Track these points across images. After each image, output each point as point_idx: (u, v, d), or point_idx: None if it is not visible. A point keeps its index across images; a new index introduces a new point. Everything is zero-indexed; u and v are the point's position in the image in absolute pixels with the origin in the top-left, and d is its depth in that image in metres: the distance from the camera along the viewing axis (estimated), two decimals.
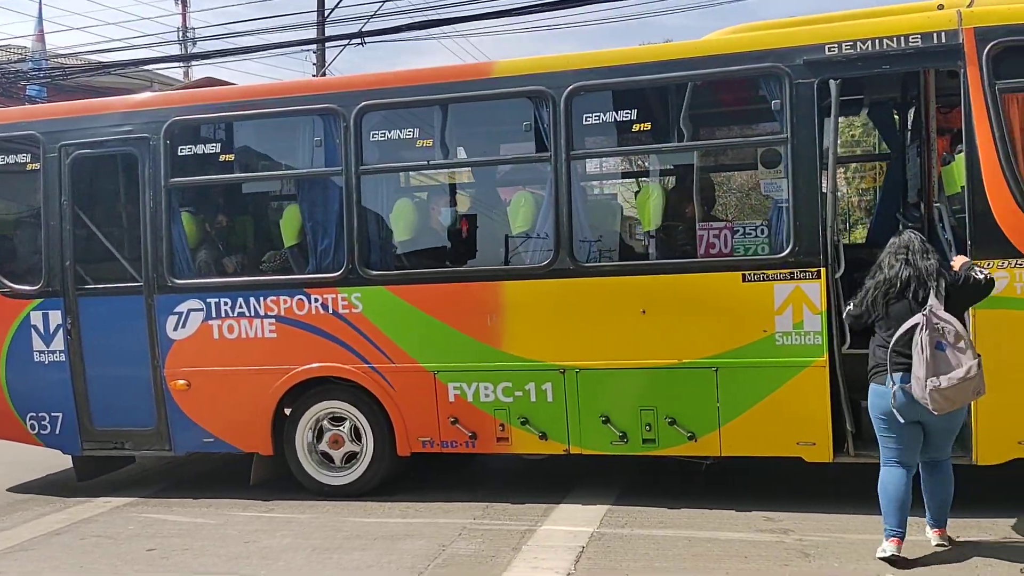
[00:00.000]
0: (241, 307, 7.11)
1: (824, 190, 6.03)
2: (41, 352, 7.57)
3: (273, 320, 7.06)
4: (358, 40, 21.13)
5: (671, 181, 6.78)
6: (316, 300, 6.96)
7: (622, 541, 5.86)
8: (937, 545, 5.37)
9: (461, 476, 7.69)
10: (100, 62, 18.44)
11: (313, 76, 25.91)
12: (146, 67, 20.16)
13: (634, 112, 6.42)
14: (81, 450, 7.64)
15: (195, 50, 28.08)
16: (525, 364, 6.60)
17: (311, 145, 7.04)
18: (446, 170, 7.78)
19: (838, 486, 6.67)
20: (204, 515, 7.05)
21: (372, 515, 6.73)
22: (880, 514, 5.29)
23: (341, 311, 6.91)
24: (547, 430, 6.62)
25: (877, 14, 6.34)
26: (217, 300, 7.16)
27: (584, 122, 6.50)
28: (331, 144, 6.94)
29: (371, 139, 6.91)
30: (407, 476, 7.39)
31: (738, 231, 6.31)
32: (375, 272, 6.88)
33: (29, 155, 7.64)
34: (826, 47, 6.03)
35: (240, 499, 7.34)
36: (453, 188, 8.05)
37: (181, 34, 29.15)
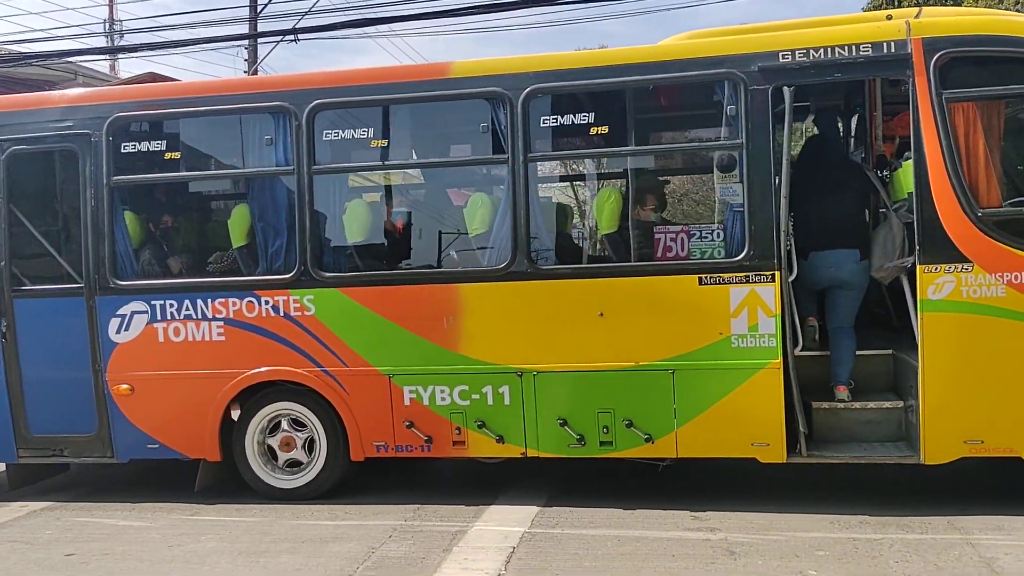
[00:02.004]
0: (188, 309, 6.92)
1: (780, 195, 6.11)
2: None
3: (221, 323, 6.89)
4: (291, 37, 20.85)
5: (628, 184, 6.81)
6: (267, 302, 6.81)
7: (552, 541, 5.90)
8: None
9: (394, 479, 7.61)
10: (21, 53, 17.73)
11: (245, 73, 25.49)
12: (70, 59, 19.51)
13: (592, 115, 6.43)
14: (16, 457, 7.35)
15: (122, 43, 27.37)
16: (482, 367, 6.57)
17: (261, 144, 6.87)
18: (401, 171, 7.70)
19: (765, 485, 6.83)
20: (127, 518, 6.89)
21: (301, 518, 6.66)
22: (806, 512, 5.88)
23: (293, 313, 6.78)
24: (504, 433, 6.60)
25: (830, 23, 6.48)
26: (162, 302, 6.95)
27: (541, 124, 6.49)
28: (282, 143, 6.79)
29: (324, 138, 6.79)
30: (344, 480, 7.26)
31: (695, 234, 6.37)
32: (328, 274, 6.77)
33: None
34: (780, 54, 6.13)
35: (165, 502, 7.19)
36: (408, 189, 7.97)
37: (108, 26, 28.37)
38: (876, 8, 40.84)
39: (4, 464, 7.59)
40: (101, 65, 25.83)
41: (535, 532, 6.09)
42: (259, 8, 23.51)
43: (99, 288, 7.04)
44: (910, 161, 6.14)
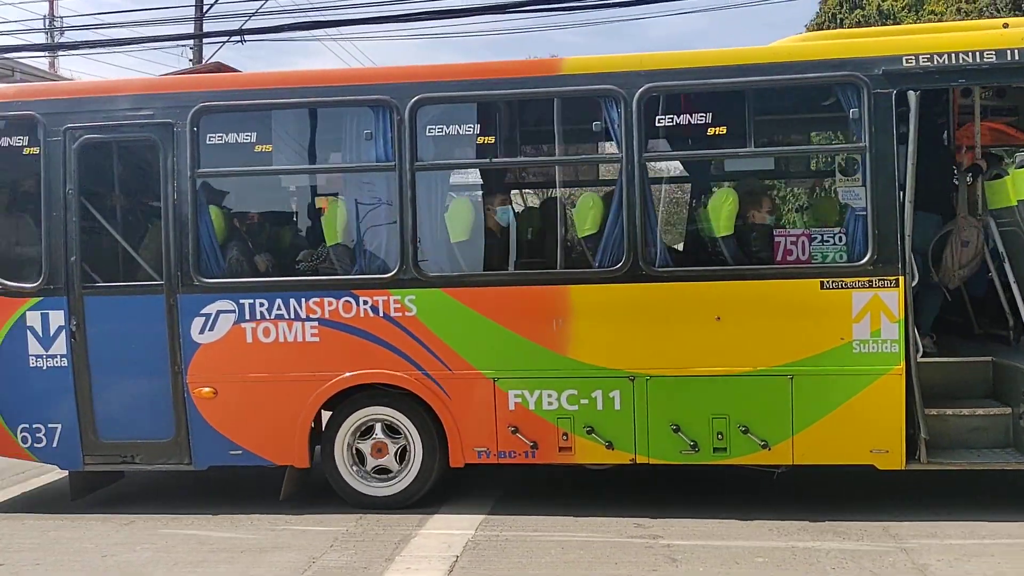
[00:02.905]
0: (280, 309, 6.61)
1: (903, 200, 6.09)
2: (38, 356, 6.82)
3: (316, 323, 6.59)
4: (238, 38, 20.47)
5: (745, 185, 6.73)
6: (365, 302, 6.54)
7: (496, 549, 5.87)
8: None
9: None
10: None
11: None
12: (7, 55, 18.89)
13: (708, 115, 6.33)
14: (82, 465, 6.92)
15: (62, 40, 26.54)
16: (593, 371, 6.40)
17: (360, 138, 6.60)
18: (508, 169, 7.48)
19: (707, 493, 6.94)
20: (60, 527, 6.65)
21: (240, 528, 6.51)
22: (747, 519, 6.16)
23: (393, 314, 6.53)
24: (614, 439, 6.43)
25: (941, 29, 6.49)
26: (252, 301, 6.63)
27: (656, 124, 6.37)
28: (383, 138, 6.54)
29: (427, 134, 6.55)
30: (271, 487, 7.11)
31: (816, 238, 6.30)
32: (432, 274, 6.53)
33: (26, 137, 6.88)
34: (904, 58, 6.10)
35: (99, 511, 6.96)
36: (515, 187, 7.74)
37: (47, 22, 27.49)
38: (819, 26, 41.84)
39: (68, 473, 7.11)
40: (40, 62, 25.08)
41: (479, 540, 6.05)
42: (205, 8, 23.08)
43: (181, 286, 6.68)
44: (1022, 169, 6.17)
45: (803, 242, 6.31)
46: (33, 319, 6.80)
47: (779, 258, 6.35)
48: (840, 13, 40.77)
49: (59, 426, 6.85)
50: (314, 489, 7.06)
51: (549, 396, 6.46)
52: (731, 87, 6.33)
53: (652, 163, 6.46)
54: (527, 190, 7.89)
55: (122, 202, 7.04)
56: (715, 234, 6.45)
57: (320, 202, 7.22)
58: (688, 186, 7.71)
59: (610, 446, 6.45)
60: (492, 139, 6.56)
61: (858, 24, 36.69)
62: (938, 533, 5.90)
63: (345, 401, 6.71)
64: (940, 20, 31.91)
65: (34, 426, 6.88)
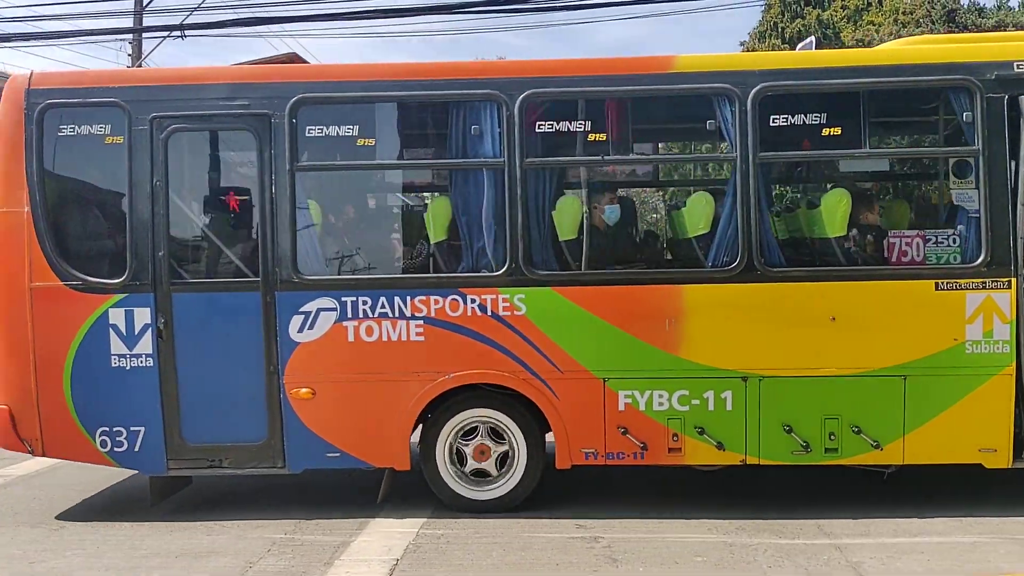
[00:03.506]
0: (384, 307, 6.41)
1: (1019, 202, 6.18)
2: (121, 356, 6.49)
3: (421, 322, 6.41)
4: (179, 33, 20.08)
5: (859, 186, 6.76)
6: (473, 301, 6.39)
7: (437, 552, 5.85)
8: None
9: (273, 492, 7.32)
10: None
11: (128, 68, 24.22)
12: None
13: (822, 116, 6.34)
14: (165, 469, 6.61)
15: None
16: (705, 371, 6.36)
17: (467, 133, 6.44)
18: (618, 167, 7.37)
19: (648, 493, 7.01)
20: None
21: (175, 532, 6.39)
22: (687, 519, 6.21)
23: (501, 313, 6.38)
24: (725, 440, 6.40)
25: None
26: (354, 299, 6.41)
27: (771, 123, 6.36)
28: (491, 133, 6.40)
29: (536, 130, 6.44)
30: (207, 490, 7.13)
31: (930, 239, 6.36)
32: (542, 272, 6.41)
33: (109, 126, 6.54)
34: (1015, 64, 6.21)
35: (26, 517, 6.82)
36: (623, 185, 7.64)
37: None
38: (761, 35, 42.56)
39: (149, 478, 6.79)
40: None
41: (420, 543, 6.00)
42: (145, 2, 22.61)
43: (279, 283, 6.43)
44: None
45: (917, 243, 6.36)
46: (116, 317, 6.47)
47: (894, 259, 6.39)
48: (781, 22, 41.84)
49: (142, 429, 6.53)
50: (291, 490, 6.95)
51: (660, 396, 6.40)
52: (846, 88, 6.36)
53: (766, 162, 6.42)
54: (635, 188, 7.77)
55: (213, 195, 6.76)
56: (828, 234, 6.46)
57: (424, 198, 7.01)
58: (798, 186, 7.69)
59: (720, 447, 6.41)
60: (603, 136, 6.46)
61: (798, 33, 37.62)
62: (871, 531, 6.03)
63: (447, 402, 6.54)
64: (878, 31, 33.01)
65: (115, 429, 6.54)
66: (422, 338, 6.42)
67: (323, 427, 6.50)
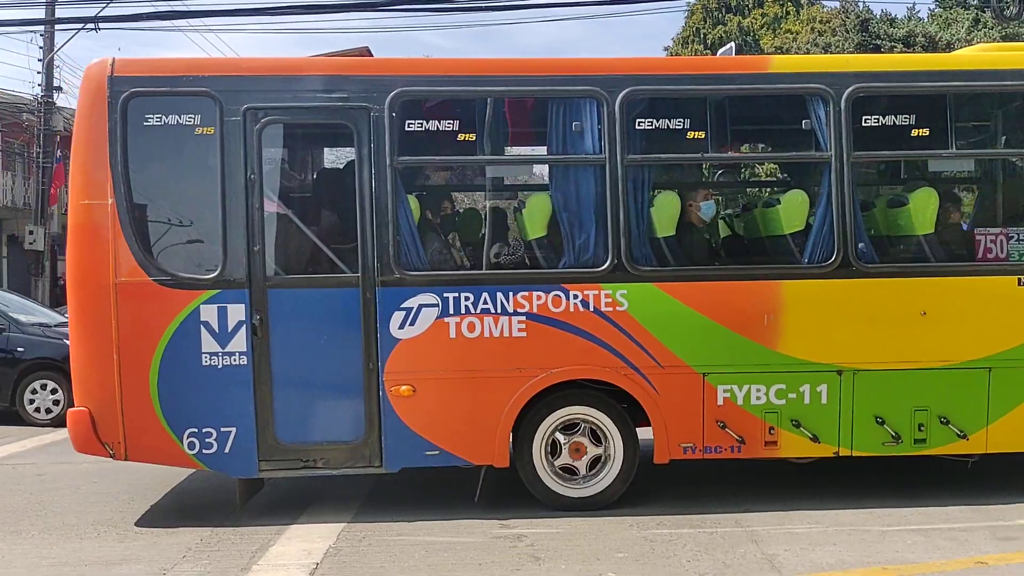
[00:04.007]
0: (486, 303, 6.35)
1: None
2: (213, 354, 6.27)
3: (523, 318, 6.37)
4: (92, 25, 19.63)
5: (947, 186, 7.00)
6: (575, 296, 6.39)
7: (358, 555, 5.79)
8: None
9: (189, 498, 7.31)
10: None
11: (40, 61, 23.32)
12: None
13: (912, 117, 6.57)
14: (257, 471, 6.40)
15: None
16: (801, 365, 6.50)
17: (568, 129, 6.44)
18: (713, 163, 7.43)
19: None
20: None
21: (86, 539, 6.26)
22: (610, 516, 6.22)
23: (604, 309, 6.40)
24: (819, 433, 6.55)
25: None
26: (456, 294, 6.34)
27: (863, 123, 6.54)
28: (592, 130, 6.42)
29: (637, 127, 6.48)
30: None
31: (1013, 237, 6.63)
32: (644, 268, 6.45)
33: (199, 116, 6.32)
34: None
35: None
36: (720, 182, 7.71)
37: None
38: (684, 39, 43.46)
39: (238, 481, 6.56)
40: None
41: (340, 547, 5.95)
42: None
43: (380, 278, 6.31)
44: None
45: (1001, 240, 6.63)
46: (208, 313, 6.25)
47: (979, 256, 6.65)
48: (704, 28, 43.02)
49: (233, 430, 6.32)
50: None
51: (758, 391, 6.51)
52: (934, 90, 6.59)
53: (859, 161, 6.61)
54: (729, 185, 7.87)
55: (309, 189, 6.59)
56: (918, 232, 6.68)
57: (525, 194, 6.96)
58: (889, 185, 7.90)
59: (815, 439, 6.55)
60: (702, 134, 6.54)
61: (719, 39, 38.63)
62: (785, 523, 6.22)
63: (545, 399, 6.51)
64: (795, 39, 34.16)
65: (204, 430, 6.31)
66: (524, 334, 6.39)
67: (423, 425, 6.40)
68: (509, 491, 6.82)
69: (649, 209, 6.58)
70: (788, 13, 42.59)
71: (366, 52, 7.18)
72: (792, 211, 6.68)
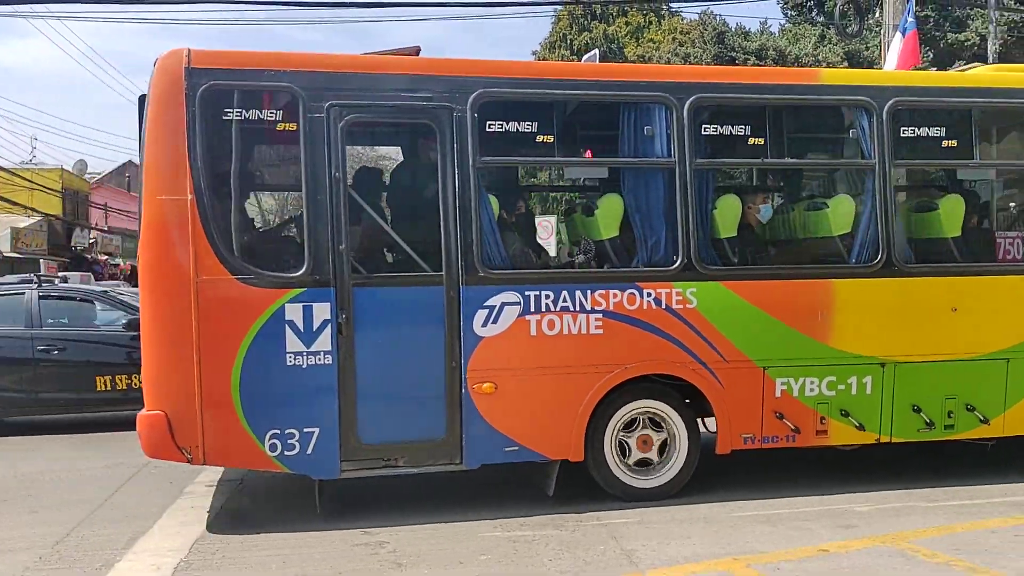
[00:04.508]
0: (565, 301, 6.51)
1: None
2: (298, 354, 6.17)
3: (600, 315, 6.57)
4: None
5: (972, 192, 7.60)
6: (649, 295, 6.64)
7: (211, 569, 5.63)
8: None
9: (34, 505, 7.13)
10: None
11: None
12: None
13: (945, 129, 7.15)
14: (339, 472, 6.34)
15: None
16: (850, 358, 6.97)
17: (639, 133, 6.69)
18: (771, 168, 7.77)
19: (435, 497, 7.14)
20: None
21: None
22: (473, 520, 6.34)
23: (675, 306, 6.68)
24: (864, 421, 7.04)
25: None
26: (537, 293, 6.47)
27: (901, 134, 7.08)
28: (662, 135, 6.69)
29: (703, 132, 6.80)
30: None
31: None
32: (712, 267, 6.77)
33: (280, 112, 6.22)
34: None
35: None
36: (775, 187, 8.02)
37: None
38: (552, 44, 44.48)
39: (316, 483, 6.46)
40: None
41: (192, 560, 5.76)
42: None
43: (464, 277, 6.37)
44: None
45: (1018, 243, 7.31)
46: (293, 312, 6.15)
47: (1000, 256, 7.30)
48: (570, 34, 44.19)
49: (316, 430, 6.23)
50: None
51: (811, 383, 6.93)
52: (966, 106, 7.21)
53: (898, 168, 7.15)
54: (784, 189, 8.23)
55: (392, 187, 6.58)
56: (947, 234, 7.27)
57: (598, 194, 7.12)
58: (923, 190, 8.46)
59: (860, 427, 7.04)
60: (761, 140, 6.91)
61: (585, 45, 39.75)
62: (643, 520, 6.40)
63: (615, 393, 6.73)
64: (658, 48, 35.65)
65: (287, 432, 6.20)
66: (601, 331, 6.58)
67: (503, 422, 6.49)
68: (372, 499, 6.88)
69: (713, 211, 6.91)
70: (650, 23, 44.24)
71: (416, 51, 7.17)
72: (840, 214, 7.14)
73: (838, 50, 29.15)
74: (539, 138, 6.62)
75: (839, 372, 6.96)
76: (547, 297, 6.50)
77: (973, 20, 28.74)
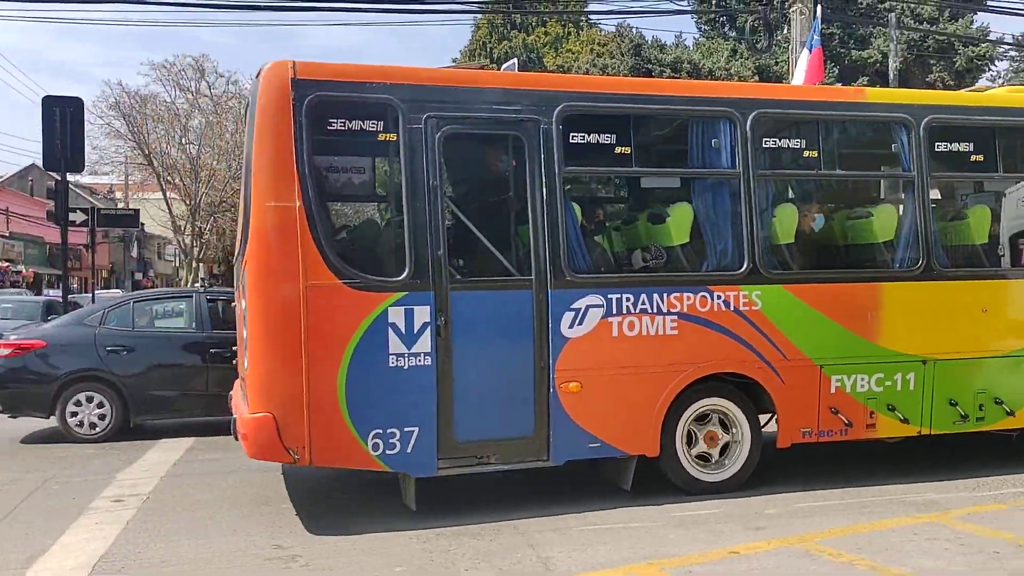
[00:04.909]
0: (644, 303, 6.90)
1: None
2: (400, 355, 6.40)
3: (675, 317, 6.98)
4: None
5: (997, 202, 8.23)
6: (719, 297, 7.07)
7: None
8: None
9: None
10: None
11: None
12: None
13: (972, 144, 7.78)
14: (436, 469, 6.58)
15: None
16: (897, 356, 7.51)
17: (707, 145, 7.13)
18: (824, 179, 8.24)
19: (353, 510, 7.09)
20: None
21: None
22: (389, 531, 6.31)
23: (742, 308, 7.12)
24: (908, 415, 7.58)
25: None
26: (619, 296, 6.84)
27: (935, 148, 7.68)
28: (727, 147, 7.15)
29: (763, 145, 7.28)
30: None
31: None
32: (775, 271, 7.24)
33: (381, 123, 6.48)
34: None
35: None
36: (831, 196, 8.51)
37: None
38: (471, 52, 44.89)
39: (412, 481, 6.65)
40: None
41: None
42: None
43: (552, 281, 6.70)
44: None
45: None
46: (396, 315, 6.39)
47: (1022, 261, 7.95)
48: (490, 43, 44.82)
49: (416, 429, 6.47)
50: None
51: (862, 379, 7.45)
52: (998, 124, 7.84)
53: (935, 180, 7.74)
54: (835, 199, 8.72)
55: (485, 196, 6.87)
56: (976, 241, 7.89)
57: (670, 203, 7.51)
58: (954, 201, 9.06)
59: (905, 421, 7.59)
60: (815, 153, 7.42)
61: (505, 54, 40.37)
62: (560, 526, 6.50)
63: (689, 390, 7.13)
64: (577, 59, 36.50)
65: (388, 431, 6.42)
66: (676, 332, 6.99)
67: (587, 419, 6.82)
68: (287, 512, 6.95)
69: (773, 219, 7.38)
70: (569, 33, 45.09)
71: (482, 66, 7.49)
72: (883, 222, 7.70)
73: (749, 64, 30.31)
74: (617, 149, 7.00)
75: (887, 369, 7.50)
76: (628, 300, 6.87)
77: (876, 39, 30.27)
